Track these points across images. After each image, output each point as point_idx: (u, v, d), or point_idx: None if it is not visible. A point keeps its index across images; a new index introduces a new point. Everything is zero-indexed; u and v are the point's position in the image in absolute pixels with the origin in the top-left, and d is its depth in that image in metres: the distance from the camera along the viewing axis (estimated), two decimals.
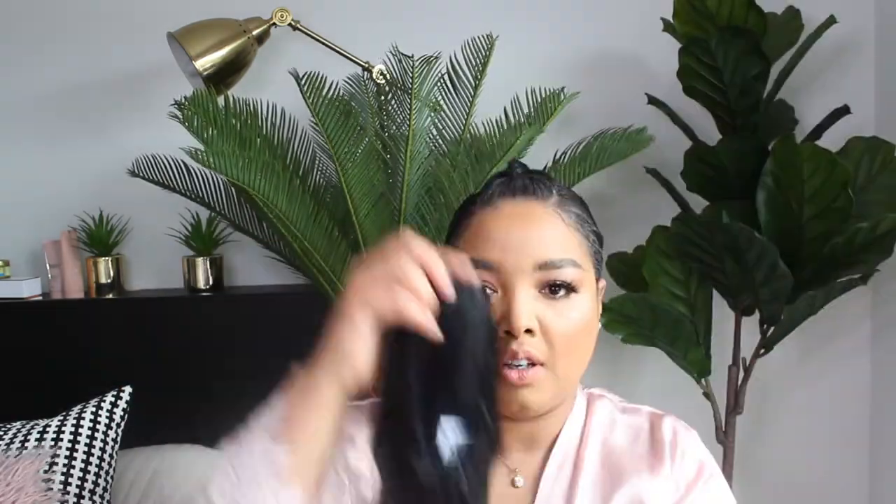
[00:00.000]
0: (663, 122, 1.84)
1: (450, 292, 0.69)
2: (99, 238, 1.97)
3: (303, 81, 1.52)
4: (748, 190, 1.66)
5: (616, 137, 1.76)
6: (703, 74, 1.65)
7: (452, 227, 0.86)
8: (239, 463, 0.68)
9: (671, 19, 1.73)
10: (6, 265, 2.01)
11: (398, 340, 0.68)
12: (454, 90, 1.67)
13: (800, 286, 1.63)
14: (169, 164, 1.77)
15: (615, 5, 1.99)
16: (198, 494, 0.68)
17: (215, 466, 0.70)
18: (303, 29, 1.79)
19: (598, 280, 0.85)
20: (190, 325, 1.89)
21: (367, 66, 1.76)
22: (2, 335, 1.91)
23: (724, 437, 1.78)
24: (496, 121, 1.66)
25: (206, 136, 1.53)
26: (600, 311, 0.86)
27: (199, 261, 1.96)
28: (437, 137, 1.69)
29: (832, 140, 1.71)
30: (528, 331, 0.77)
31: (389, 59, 1.67)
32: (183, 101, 1.55)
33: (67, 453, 1.59)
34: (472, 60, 1.63)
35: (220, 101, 1.59)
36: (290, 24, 1.78)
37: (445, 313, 0.68)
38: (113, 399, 1.68)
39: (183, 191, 1.79)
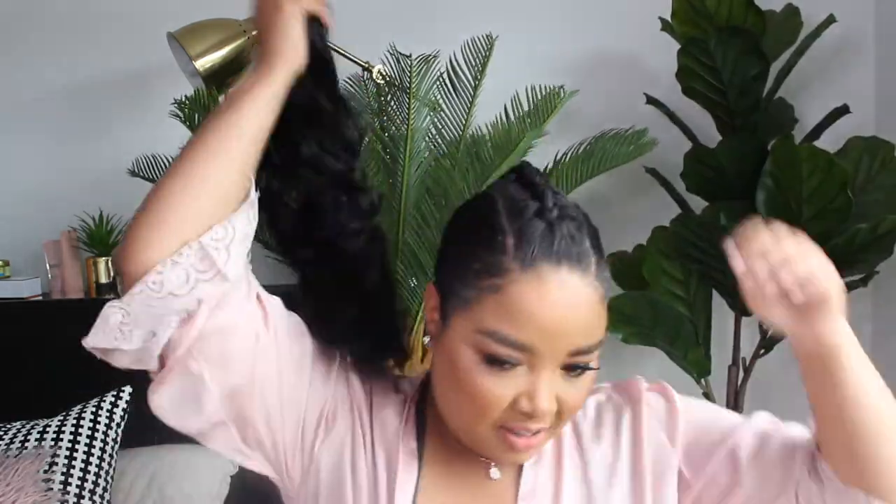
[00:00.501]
0: (663, 122, 1.84)
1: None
2: (99, 238, 1.97)
3: None
4: (748, 190, 1.66)
5: (618, 140, 1.76)
6: (702, 75, 1.66)
7: (467, 260, 0.77)
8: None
9: (670, 19, 1.73)
10: (6, 265, 2.02)
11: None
12: (454, 90, 1.67)
13: None
14: (169, 163, 1.77)
15: (614, 6, 1.99)
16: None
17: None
18: None
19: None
20: None
21: (366, 66, 1.76)
22: (2, 335, 1.91)
23: None
24: (496, 121, 1.66)
25: None
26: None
27: None
28: (437, 137, 1.69)
29: (832, 140, 1.71)
30: None
31: (388, 58, 1.67)
32: (183, 100, 1.55)
33: (67, 453, 1.59)
34: (472, 60, 1.63)
35: (221, 100, 1.59)
36: None
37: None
38: (113, 399, 1.68)
39: None
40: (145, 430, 1.73)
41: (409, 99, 1.56)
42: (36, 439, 1.60)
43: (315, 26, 0.86)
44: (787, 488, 0.80)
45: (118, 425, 1.67)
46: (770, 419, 0.85)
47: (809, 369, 0.79)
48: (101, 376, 1.75)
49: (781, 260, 0.77)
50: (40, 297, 1.99)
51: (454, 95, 1.68)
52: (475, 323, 0.75)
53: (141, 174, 1.78)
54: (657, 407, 0.87)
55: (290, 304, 0.85)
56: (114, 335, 0.74)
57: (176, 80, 1.84)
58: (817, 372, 0.79)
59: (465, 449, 0.81)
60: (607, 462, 0.84)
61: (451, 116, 1.69)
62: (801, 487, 0.79)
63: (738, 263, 0.78)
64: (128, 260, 0.74)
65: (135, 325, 0.74)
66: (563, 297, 0.72)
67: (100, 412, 1.65)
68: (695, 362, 1.74)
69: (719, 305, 1.80)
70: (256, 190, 0.79)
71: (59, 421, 1.63)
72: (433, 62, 1.60)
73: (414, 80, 1.55)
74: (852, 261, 1.61)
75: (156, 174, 1.77)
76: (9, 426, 1.65)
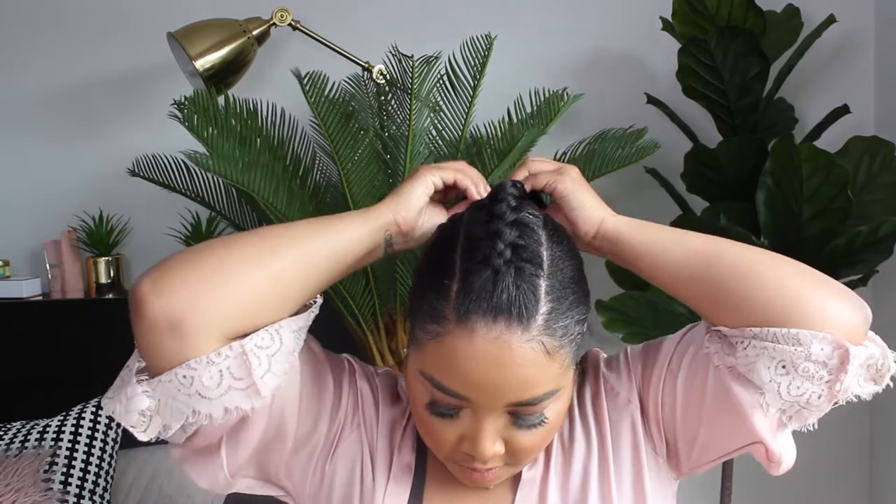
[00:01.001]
0: (663, 122, 1.84)
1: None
2: (99, 238, 1.97)
3: (305, 81, 1.52)
4: (748, 190, 1.66)
5: (619, 142, 1.75)
6: (703, 74, 1.66)
7: (419, 300, 0.76)
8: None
9: (670, 19, 1.73)
10: (6, 265, 2.02)
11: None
12: (453, 90, 1.67)
13: None
14: (169, 163, 1.77)
15: (614, 6, 1.99)
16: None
17: None
18: (303, 29, 1.79)
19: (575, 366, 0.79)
20: None
21: (367, 66, 1.76)
22: (2, 335, 1.91)
23: None
24: (498, 121, 1.66)
25: (206, 135, 1.53)
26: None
27: None
28: (437, 138, 1.69)
29: (832, 140, 1.71)
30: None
31: (389, 59, 1.67)
32: (183, 100, 1.55)
33: (67, 453, 1.59)
34: (471, 60, 1.63)
35: (220, 100, 1.59)
36: (290, 24, 1.78)
37: None
38: None
39: (183, 191, 1.79)
40: None
41: (410, 100, 1.56)
42: (36, 439, 1.60)
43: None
44: (704, 358, 0.79)
45: (118, 425, 1.67)
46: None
47: (611, 256, 0.83)
48: (101, 376, 1.76)
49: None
50: (40, 297, 1.99)
51: (454, 95, 1.67)
52: (419, 364, 0.76)
53: (141, 174, 1.78)
54: (612, 374, 0.88)
55: None
56: (132, 420, 0.72)
57: (176, 80, 1.84)
58: (615, 257, 0.82)
59: None
60: (583, 452, 0.85)
61: (450, 117, 1.69)
62: (712, 352, 0.78)
63: (519, 173, 0.85)
64: (155, 305, 0.69)
65: (155, 413, 0.72)
66: (495, 355, 0.70)
67: (100, 412, 1.65)
68: None
69: None
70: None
71: (59, 421, 1.63)
72: (434, 63, 1.60)
73: (416, 81, 1.55)
74: (852, 261, 1.61)
75: (155, 174, 1.77)
76: (9, 426, 1.65)
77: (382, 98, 1.73)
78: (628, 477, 0.83)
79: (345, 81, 1.77)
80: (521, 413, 0.74)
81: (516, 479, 0.83)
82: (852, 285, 1.69)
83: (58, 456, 1.58)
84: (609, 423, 0.85)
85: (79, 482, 1.57)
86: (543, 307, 0.71)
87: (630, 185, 1.99)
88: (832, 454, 2.05)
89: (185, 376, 0.70)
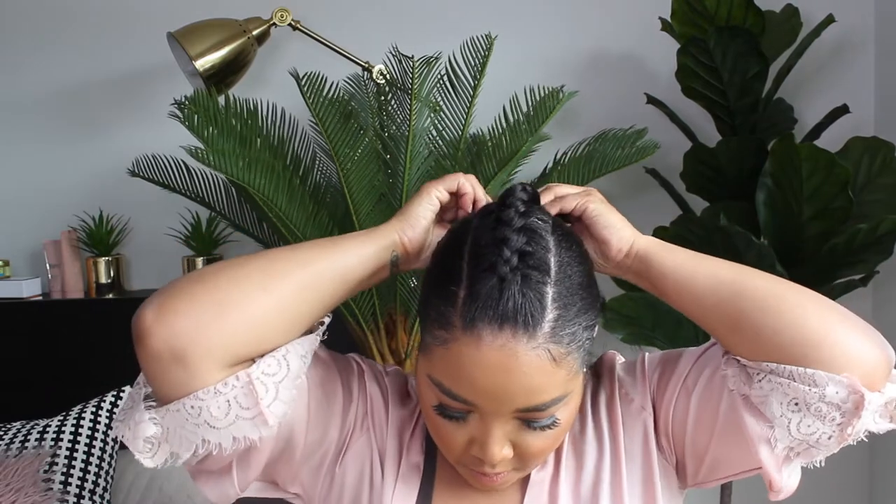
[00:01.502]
0: (663, 121, 1.84)
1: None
2: (99, 238, 1.97)
3: (303, 82, 1.52)
4: (748, 190, 1.66)
5: (619, 142, 1.75)
6: (702, 74, 1.66)
7: (427, 305, 0.75)
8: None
9: (669, 19, 1.73)
10: (6, 265, 2.02)
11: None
12: (453, 90, 1.67)
13: None
14: (169, 163, 1.77)
15: (614, 6, 1.99)
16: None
17: None
18: (303, 29, 1.79)
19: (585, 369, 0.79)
20: None
21: (367, 66, 1.76)
22: (2, 335, 1.91)
23: None
24: (496, 121, 1.66)
25: (206, 135, 1.53)
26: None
27: (199, 261, 1.96)
28: (437, 138, 1.69)
29: (832, 140, 1.71)
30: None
31: (389, 59, 1.67)
32: (183, 100, 1.55)
33: (67, 453, 1.59)
34: (472, 60, 1.63)
35: (221, 100, 1.59)
36: (290, 24, 1.78)
37: None
38: (113, 399, 1.68)
39: (183, 191, 1.79)
40: None
41: (410, 100, 1.56)
42: (36, 439, 1.60)
43: None
44: (720, 380, 0.79)
45: None
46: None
47: (637, 277, 0.82)
48: (101, 376, 1.77)
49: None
50: (40, 297, 1.99)
51: (454, 95, 1.68)
52: (428, 368, 0.75)
53: (141, 174, 1.78)
54: (628, 379, 0.87)
55: None
56: (139, 447, 0.72)
57: (176, 80, 1.84)
58: (642, 278, 0.81)
59: None
60: (594, 455, 0.85)
61: (450, 116, 1.69)
62: (729, 376, 0.77)
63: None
64: (158, 336, 0.69)
65: (164, 440, 0.72)
66: (501, 362, 0.69)
67: (100, 412, 1.65)
68: None
69: None
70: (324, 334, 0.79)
71: (59, 421, 1.63)
72: (434, 63, 1.60)
73: (416, 81, 1.55)
74: (852, 261, 1.61)
75: (155, 174, 1.77)
76: (9, 426, 1.65)
77: (382, 98, 1.73)
78: (639, 482, 0.83)
79: (345, 81, 1.78)
80: (529, 418, 0.74)
81: (525, 480, 0.83)
82: (852, 285, 1.69)
83: (58, 456, 1.58)
84: (623, 427, 0.85)
85: (79, 482, 1.57)
86: (550, 314, 0.71)
87: (630, 185, 1.99)
88: (832, 456, 2.05)
89: (192, 406, 0.70)
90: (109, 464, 1.63)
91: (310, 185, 1.74)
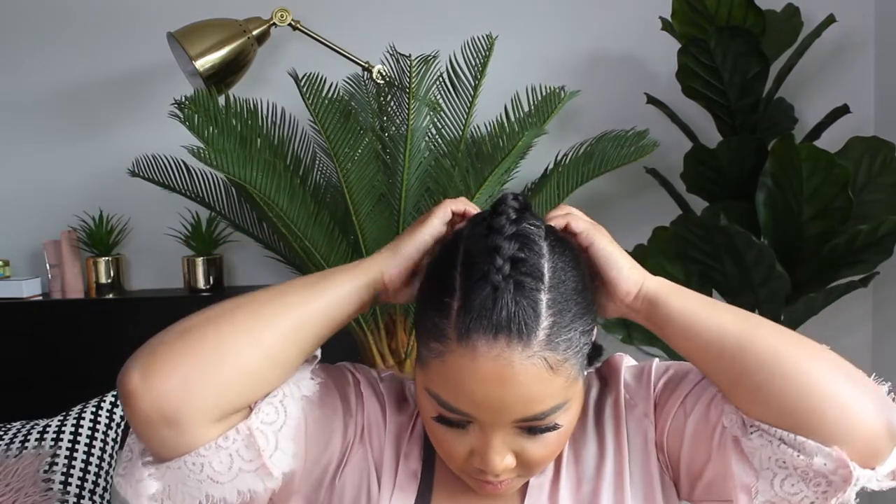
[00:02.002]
0: (663, 121, 1.84)
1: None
2: (99, 238, 1.97)
3: (302, 82, 1.52)
4: (748, 190, 1.66)
5: (619, 142, 1.75)
6: (702, 75, 1.66)
7: (422, 317, 0.75)
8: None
9: (670, 19, 1.73)
10: (6, 265, 2.02)
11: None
12: (454, 90, 1.67)
13: (799, 286, 1.63)
14: (169, 163, 1.77)
15: (614, 6, 1.99)
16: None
17: None
18: (303, 29, 1.79)
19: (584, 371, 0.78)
20: None
21: (366, 66, 1.76)
22: (2, 335, 1.91)
23: None
24: (496, 121, 1.66)
25: (206, 135, 1.53)
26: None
27: (199, 261, 1.96)
28: (437, 137, 1.69)
29: (832, 140, 1.71)
30: None
31: (388, 58, 1.67)
32: (183, 100, 1.55)
33: (67, 453, 1.59)
34: (472, 60, 1.63)
35: (221, 100, 1.59)
36: (290, 24, 1.78)
37: None
38: (113, 399, 1.68)
39: (183, 191, 1.79)
40: None
41: (409, 99, 1.56)
42: (36, 439, 1.60)
43: None
44: (718, 411, 0.78)
45: (118, 425, 1.67)
46: None
47: (644, 318, 0.80)
48: (101, 376, 1.76)
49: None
50: (40, 297, 1.99)
51: (454, 95, 1.68)
52: (425, 381, 0.75)
53: (141, 174, 1.78)
54: (635, 386, 0.86)
55: None
56: None
57: (176, 80, 1.84)
58: (648, 319, 0.80)
59: None
60: (595, 459, 0.84)
61: (450, 116, 1.69)
62: (726, 411, 0.76)
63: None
64: (146, 400, 0.68)
65: (166, 496, 0.72)
66: (497, 373, 0.69)
67: (100, 412, 1.65)
68: None
69: None
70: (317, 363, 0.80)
71: (59, 421, 1.63)
72: (433, 62, 1.60)
73: (414, 80, 1.55)
74: (852, 261, 1.61)
75: (155, 174, 1.77)
76: (9, 426, 1.65)
77: (382, 98, 1.73)
78: (641, 488, 0.82)
79: (344, 81, 1.78)
80: (529, 427, 0.73)
81: (525, 485, 0.83)
82: (852, 285, 1.69)
83: (58, 456, 1.58)
84: (627, 432, 0.84)
85: (79, 482, 1.57)
86: (544, 322, 0.70)
87: (630, 184, 1.99)
88: None
89: (194, 463, 0.70)
90: (109, 464, 1.63)
91: (310, 185, 1.74)
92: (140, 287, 2.08)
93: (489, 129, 1.70)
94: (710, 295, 1.79)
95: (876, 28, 1.96)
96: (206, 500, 0.71)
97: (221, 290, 1.98)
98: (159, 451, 0.71)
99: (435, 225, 0.81)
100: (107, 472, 1.63)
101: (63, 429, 1.62)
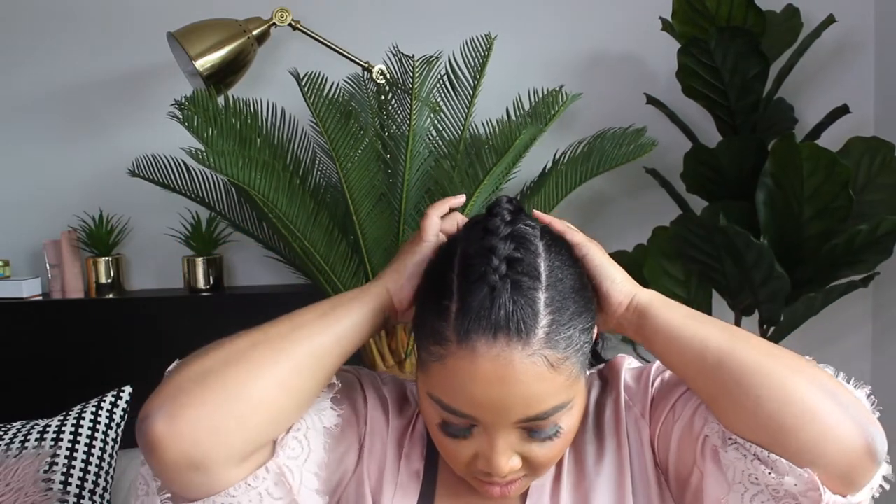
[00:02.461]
0: (663, 121, 1.84)
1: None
2: (99, 238, 1.97)
3: (303, 81, 1.52)
4: (748, 190, 1.66)
5: (618, 141, 1.75)
6: (703, 75, 1.66)
7: (421, 322, 0.76)
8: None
9: (670, 19, 1.73)
10: (6, 265, 2.02)
11: None
12: (453, 90, 1.67)
13: (799, 286, 1.63)
14: (169, 164, 1.77)
15: (614, 5, 1.99)
16: None
17: None
18: (303, 29, 1.79)
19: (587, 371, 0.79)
20: (190, 325, 1.89)
21: (367, 66, 1.76)
22: (2, 335, 1.91)
23: None
24: (496, 121, 1.66)
25: (206, 135, 1.53)
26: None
27: (199, 261, 1.96)
28: (437, 138, 1.69)
29: (832, 140, 1.71)
30: None
31: (389, 59, 1.67)
32: (183, 100, 1.54)
33: (67, 453, 1.59)
34: (471, 60, 1.63)
35: (220, 100, 1.59)
36: (290, 24, 1.78)
37: None
38: (113, 399, 1.68)
39: (183, 191, 1.79)
40: None
41: (410, 100, 1.56)
42: (36, 439, 1.60)
43: None
44: (702, 418, 0.78)
45: (118, 425, 1.67)
46: None
47: (634, 332, 0.80)
48: (101, 376, 1.76)
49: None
50: (40, 297, 1.99)
51: (454, 95, 1.68)
52: (427, 386, 0.75)
53: (141, 174, 1.78)
54: (634, 387, 0.87)
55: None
56: None
57: (176, 80, 1.84)
58: (638, 332, 0.80)
59: None
60: (596, 459, 0.84)
61: (450, 116, 1.69)
62: (710, 420, 0.77)
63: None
64: (173, 448, 0.68)
65: None
66: (498, 373, 0.69)
67: (100, 412, 1.65)
68: None
69: (719, 305, 1.80)
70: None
71: (59, 421, 1.63)
72: (434, 63, 1.60)
73: (416, 80, 1.55)
74: (852, 261, 1.61)
75: (155, 174, 1.77)
76: (9, 426, 1.65)
77: (382, 98, 1.73)
78: (641, 488, 0.82)
79: (345, 81, 1.78)
80: (532, 428, 0.73)
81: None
82: (852, 285, 1.69)
83: (58, 456, 1.58)
84: (627, 432, 0.84)
85: (79, 482, 1.57)
86: (543, 320, 0.70)
87: (630, 184, 1.99)
88: None
89: (223, 503, 0.70)
90: (109, 464, 1.63)
91: (310, 185, 1.74)
92: (140, 287, 2.08)
93: (489, 129, 1.70)
94: (710, 295, 1.80)
95: (876, 28, 1.96)
96: None
97: (221, 291, 1.98)
98: (184, 495, 0.71)
99: (430, 240, 0.81)
100: (107, 472, 1.63)
101: (63, 429, 1.62)
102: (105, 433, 1.64)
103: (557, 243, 0.76)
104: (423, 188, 1.65)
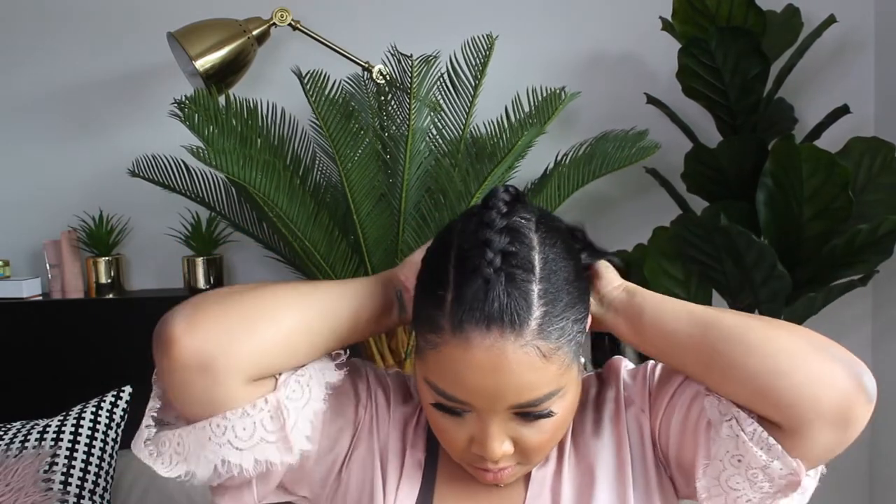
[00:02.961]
0: (663, 121, 1.84)
1: None
2: (99, 238, 1.97)
3: (305, 80, 1.52)
4: (748, 190, 1.66)
5: (620, 143, 1.75)
6: (703, 75, 1.66)
7: (418, 309, 0.78)
8: None
9: (670, 19, 1.73)
10: (6, 265, 2.02)
11: None
12: (454, 90, 1.67)
13: (799, 286, 1.63)
14: (169, 163, 1.77)
15: (614, 5, 1.99)
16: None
17: None
18: (303, 29, 1.79)
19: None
20: None
21: (367, 66, 1.76)
22: (2, 335, 1.91)
23: None
24: (496, 121, 1.66)
25: (206, 134, 1.53)
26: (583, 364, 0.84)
27: (199, 261, 1.96)
28: (437, 137, 1.69)
29: (832, 140, 1.71)
30: None
31: (389, 58, 1.67)
32: (183, 100, 1.54)
33: (67, 453, 1.59)
34: (472, 60, 1.63)
35: (221, 100, 1.59)
36: (290, 24, 1.78)
37: None
38: (113, 399, 1.68)
39: (183, 191, 1.79)
40: None
41: (409, 99, 1.56)
42: (36, 439, 1.60)
43: None
44: (701, 400, 0.80)
45: (118, 425, 1.67)
46: None
47: (623, 317, 0.83)
48: (101, 376, 1.76)
49: None
50: (40, 297, 1.99)
51: (454, 95, 1.68)
52: (422, 371, 0.77)
53: (141, 174, 1.78)
54: (632, 383, 0.88)
55: None
56: (152, 457, 0.76)
57: (176, 80, 1.84)
58: (625, 316, 0.82)
59: None
60: (597, 452, 0.85)
61: (451, 116, 1.69)
62: (709, 398, 0.78)
63: None
64: (188, 345, 0.72)
65: (182, 458, 0.75)
66: (491, 362, 0.71)
67: (100, 412, 1.65)
68: None
69: (719, 305, 1.80)
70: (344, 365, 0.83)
71: (59, 421, 1.63)
72: (434, 62, 1.60)
73: (415, 80, 1.55)
74: (852, 261, 1.61)
75: (155, 174, 1.77)
76: (9, 426, 1.65)
77: (382, 98, 1.73)
78: (641, 481, 0.84)
79: (345, 81, 1.78)
80: (525, 413, 0.75)
81: (528, 476, 0.84)
82: (852, 285, 1.69)
83: (58, 456, 1.58)
84: (627, 428, 0.86)
85: (79, 482, 1.57)
86: (536, 311, 0.72)
87: (630, 185, 1.99)
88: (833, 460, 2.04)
89: (218, 425, 0.73)
90: (109, 464, 1.63)
91: (310, 184, 1.74)
92: (140, 287, 2.08)
93: (489, 129, 1.70)
94: (710, 295, 1.80)
95: (876, 28, 1.96)
96: (221, 465, 0.73)
97: None
98: (184, 398, 0.74)
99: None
100: (107, 473, 1.63)
101: (63, 429, 1.62)
102: (105, 433, 1.64)
103: (552, 235, 0.78)
104: (423, 188, 1.65)
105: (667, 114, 1.82)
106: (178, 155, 1.69)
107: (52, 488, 1.54)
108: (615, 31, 2.00)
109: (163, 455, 0.75)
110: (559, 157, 1.80)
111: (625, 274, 0.87)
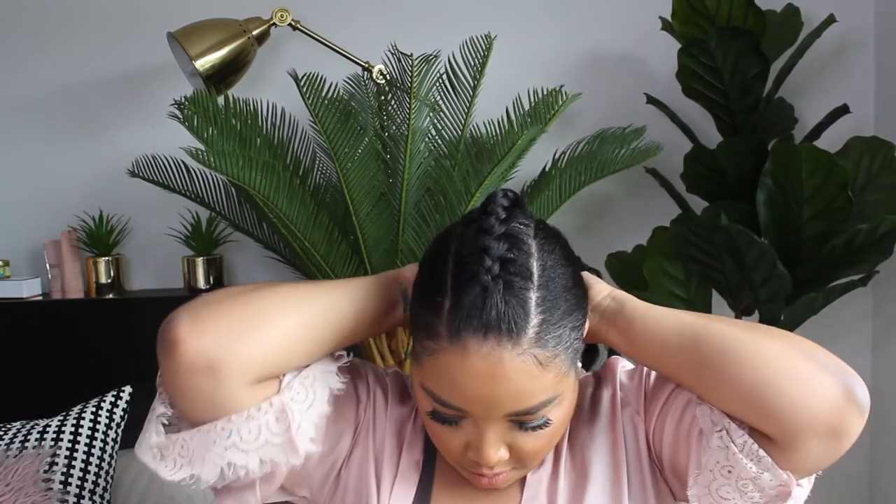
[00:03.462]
0: (663, 121, 1.84)
1: None
2: (99, 238, 1.97)
3: (302, 82, 1.52)
4: (748, 190, 1.66)
5: (619, 143, 1.75)
6: (703, 75, 1.66)
7: (416, 315, 0.77)
8: None
9: (670, 19, 1.73)
10: (6, 265, 2.02)
11: None
12: (453, 90, 1.67)
13: (799, 286, 1.63)
14: (169, 164, 1.77)
15: (614, 5, 1.99)
16: None
17: None
18: (303, 29, 1.79)
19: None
20: None
21: (366, 66, 1.76)
22: (2, 335, 1.91)
23: None
24: (496, 121, 1.66)
25: (206, 135, 1.53)
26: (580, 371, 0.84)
27: (199, 261, 1.96)
28: (437, 137, 1.69)
29: (832, 140, 1.71)
30: None
31: (389, 58, 1.67)
32: (183, 100, 1.54)
33: (67, 453, 1.59)
34: (471, 60, 1.63)
35: (221, 100, 1.59)
36: (290, 24, 1.78)
37: None
38: (113, 399, 1.68)
39: (183, 191, 1.79)
40: None
41: (409, 99, 1.56)
42: (36, 439, 1.60)
43: None
44: (694, 406, 0.80)
45: (118, 425, 1.67)
46: None
47: (612, 325, 0.82)
48: (101, 376, 1.76)
49: None
50: (40, 297, 1.99)
51: (453, 95, 1.68)
52: (419, 377, 0.76)
53: (140, 174, 1.78)
54: (628, 385, 0.88)
55: None
56: (156, 461, 0.75)
57: (176, 80, 1.84)
58: (614, 324, 0.81)
59: None
60: (592, 455, 0.85)
61: (450, 116, 1.69)
62: (701, 407, 0.78)
63: None
64: (193, 346, 0.72)
65: (186, 462, 0.75)
66: (488, 370, 0.70)
67: (100, 412, 1.65)
68: None
69: (719, 305, 1.80)
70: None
71: (59, 421, 1.63)
72: (434, 62, 1.60)
73: (415, 80, 1.55)
74: (852, 261, 1.61)
75: (155, 174, 1.77)
76: (9, 426, 1.65)
77: (382, 98, 1.73)
78: (637, 484, 0.83)
79: (344, 81, 1.78)
80: (521, 420, 0.75)
81: (524, 479, 0.84)
82: (852, 285, 1.69)
83: (58, 456, 1.58)
84: (623, 429, 0.86)
85: (79, 482, 1.57)
86: (534, 320, 0.72)
87: (630, 185, 1.99)
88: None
89: (223, 428, 0.73)
90: (109, 464, 1.63)
91: (310, 185, 1.74)
92: (140, 287, 2.08)
93: (489, 129, 1.70)
94: (709, 295, 1.80)
95: (876, 28, 1.96)
96: (227, 468, 0.73)
97: None
98: (187, 400, 0.73)
99: None
100: (107, 473, 1.63)
101: (63, 429, 1.62)
102: (105, 433, 1.64)
103: (551, 242, 0.78)
104: (423, 188, 1.65)
105: (667, 114, 1.82)
106: (177, 155, 1.69)
107: (52, 488, 1.54)
108: (615, 31, 2.00)
109: (166, 459, 0.75)
110: (558, 157, 1.80)
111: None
